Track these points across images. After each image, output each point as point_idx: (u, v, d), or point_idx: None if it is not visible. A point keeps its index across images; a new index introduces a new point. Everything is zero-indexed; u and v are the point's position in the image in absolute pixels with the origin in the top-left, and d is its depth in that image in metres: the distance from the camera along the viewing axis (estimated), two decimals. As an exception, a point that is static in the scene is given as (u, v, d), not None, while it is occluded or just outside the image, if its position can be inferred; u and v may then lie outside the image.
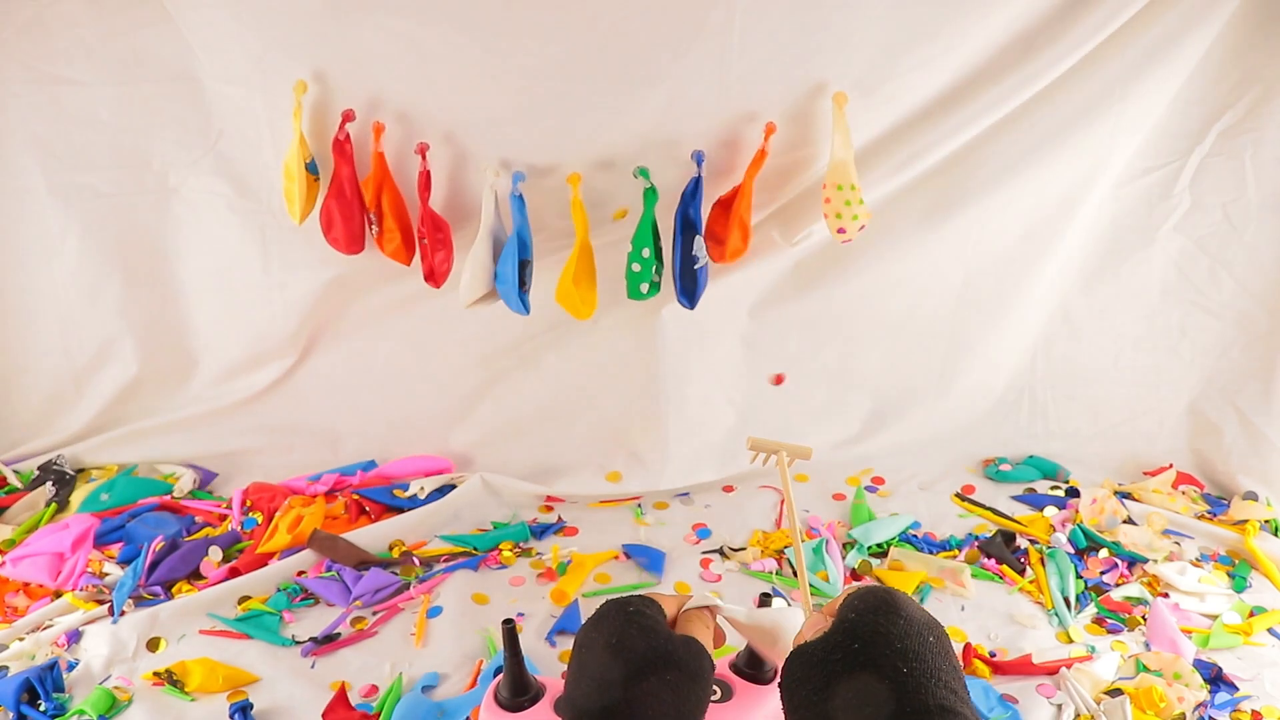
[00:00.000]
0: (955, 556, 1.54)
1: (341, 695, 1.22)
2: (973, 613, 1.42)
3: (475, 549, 1.55)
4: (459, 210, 1.55)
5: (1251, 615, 1.41)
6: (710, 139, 1.50)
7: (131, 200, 1.62)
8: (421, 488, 1.65)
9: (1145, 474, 1.76)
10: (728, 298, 1.66)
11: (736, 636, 1.37)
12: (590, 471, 1.70)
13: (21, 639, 1.31)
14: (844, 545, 1.56)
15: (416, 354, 1.72)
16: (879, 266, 1.66)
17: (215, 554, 1.50)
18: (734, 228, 1.50)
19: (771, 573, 1.50)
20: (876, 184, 1.57)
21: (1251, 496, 1.66)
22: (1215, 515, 1.65)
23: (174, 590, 1.43)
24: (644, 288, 1.52)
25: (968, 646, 1.33)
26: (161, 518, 1.60)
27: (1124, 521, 1.61)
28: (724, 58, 1.44)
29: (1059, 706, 1.24)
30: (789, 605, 1.42)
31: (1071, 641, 1.36)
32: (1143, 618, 1.40)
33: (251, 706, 1.22)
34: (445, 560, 1.53)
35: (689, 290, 1.53)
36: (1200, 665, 1.29)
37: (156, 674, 1.25)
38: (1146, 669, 1.29)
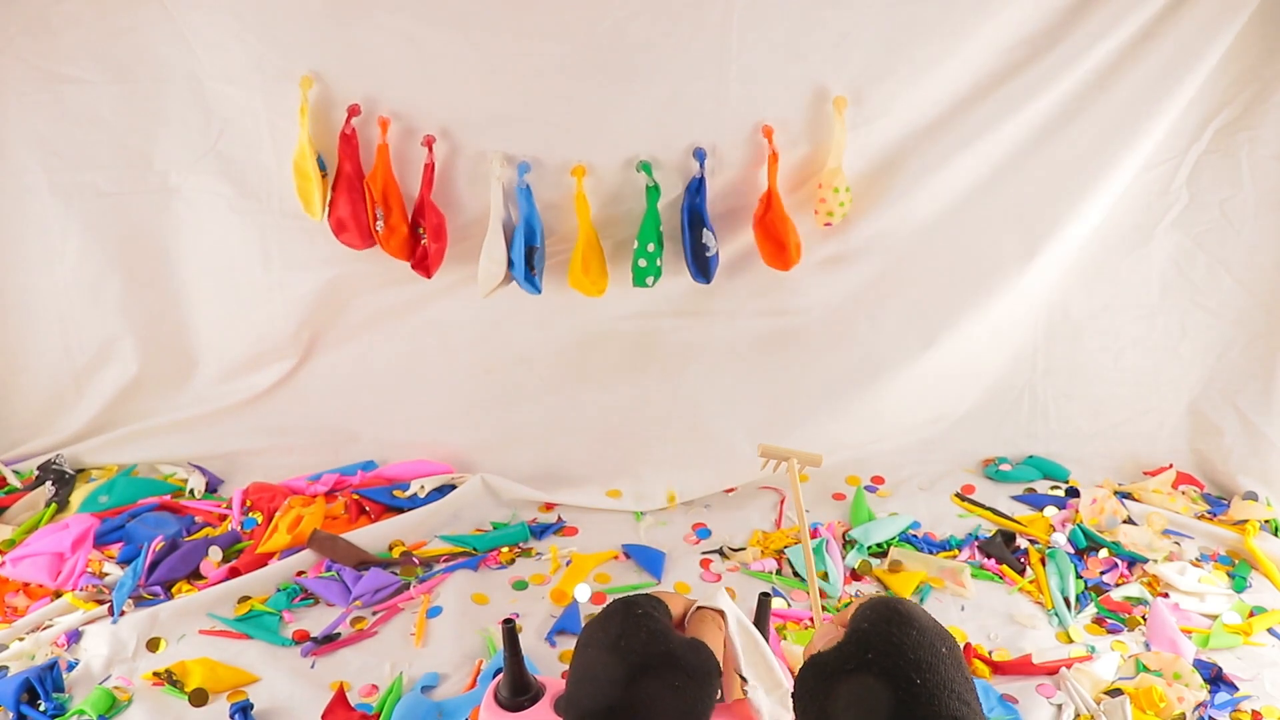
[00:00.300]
0: (955, 556, 1.54)
1: (341, 695, 1.22)
2: (973, 613, 1.42)
3: (475, 549, 1.55)
4: (454, 204, 1.56)
5: (1251, 615, 1.41)
6: (711, 137, 1.51)
7: (133, 199, 1.62)
8: (421, 487, 1.65)
9: (1145, 474, 1.76)
10: (729, 304, 1.67)
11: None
12: (592, 486, 1.70)
13: (21, 639, 1.31)
14: (844, 545, 1.56)
15: (418, 355, 1.72)
16: (879, 267, 1.66)
17: (215, 554, 1.50)
18: (787, 233, 1.54)
19: (771, 573, 1.50)
20: (878, 185, 1.58)
21: (1251, 496, 1.66)
22: (1215, 515, 1.65)
23: (174, 590, 1.43)
24: (649, 280, 1.56)
25: (968, 646, 1.33)
26: (161, 518, 1.60)
27: (1124, 521, 1.61)
28: (723, 57, 1.44)
29: (1059, 706, 1.24)
30: (789, 605, 1.43)
31: (1071, 641, 1.36)
32: (1143, 618, 1.40)
33: (252, 706, 1.21)
34: (445, 560, 1.53)
35: (704, 271, 1.56)
36: (1200, 665, 1.29)
37: (156, 674, 1.25)
38: (1146, 669, 1.29)
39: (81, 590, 1.42)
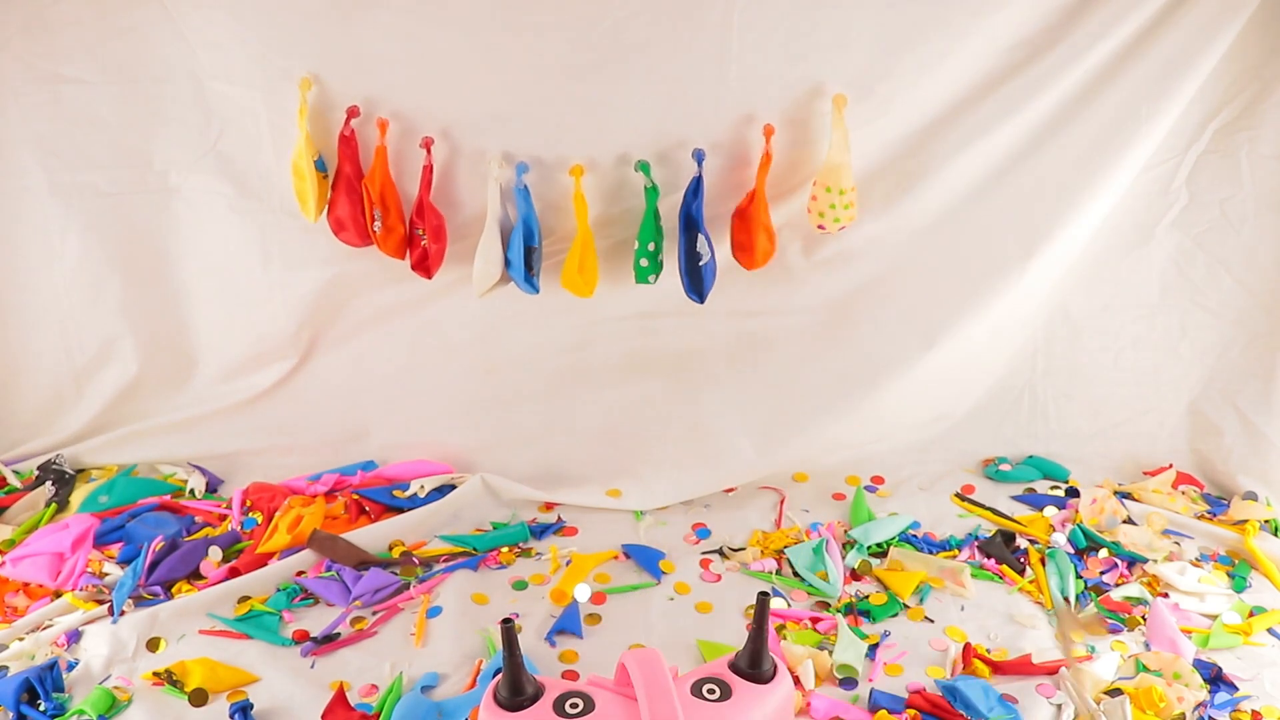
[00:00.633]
0: (955, 556, 1.54)
1: (341, 695, 1.22)
2: (973, 613, 1.42)
3: (475, 549, 1.55)
4: (454, 203, 1.56)
5: (1251, 615, 1.41)
6: (710, 137, 1.51)
7: (132, 199, 1.62)
8: (421, 486, 1.65)
9: (1145, 474, 1.76)
10: (729, 304, 1.67)
11: (729, 634, 1.37)
12: (592, 486, 1.70)
13: (21, 639, 1.31)
14: (844, 545, 1.56)
15: (418, 355, 1.72)
16: (879, 267, 1.66)
17: (215, 554, 1.50)
18: (759, 233, 1.52)
19: (771, 573, 1.50)
20: (878, 185, 1.57)
21: (1251, 496, 1.66)
22: (1215, 515, 1.65)
23: (174, 590, 1.43)
24: (651, 279, 1.55)
25: (968, 646, 1.33)
26: (161, 518, 1.60)
27: (1124, 521, 1.61)
28: (723, 57, 1.44)
29: (1059, 706, 1.24)
30: (789, 605, 1.43)
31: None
32: (1143, 618, 1.40)
33: (251, 706, 1.22)
34: (445, 560, 1.53)
35: (697, 287, 1.54)
36: (1200, 665, 1.29)
37: (156, 674, 1.25)
38: (1146, 669, 1.29)
39: (81, 590, 1.42)
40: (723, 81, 1.47)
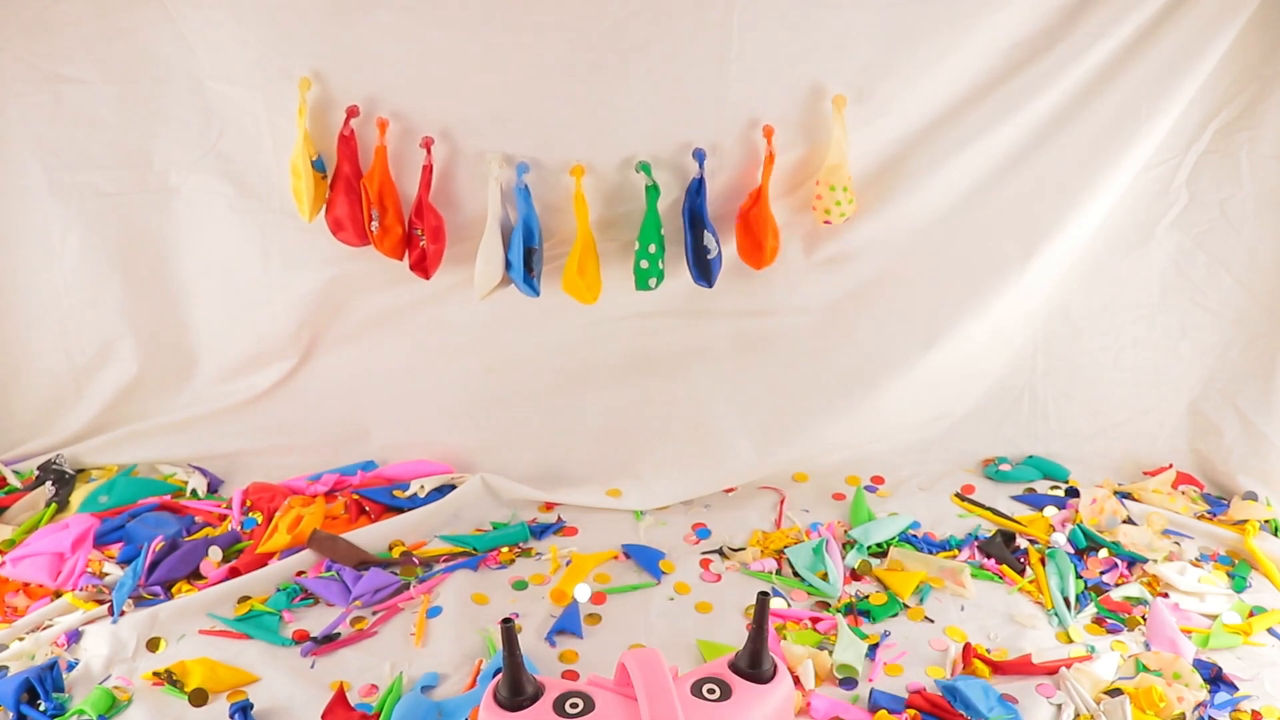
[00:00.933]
0: (955, 556, 1.54)
1: (341, 695, 1.22)
2: (973, 613, 1.42)
3: (475, 549, 1.55)
4: (454, 204, 1.56)
5: (1251, 615, 1.41)
6: (710, 138, 1.51)
7: (132, 199, 1.62)
8: (421, 486, 1.65)
9: (1145, 474, 1.76)
10: (729, 304, 1.67)
11: (729, 634, 1.37)
12: (592, 486, 1.70)
13: (21, 639, 1.31)
14: (844, 545, 1.56)
15: (418, 355, 1.72)
16: (879, 267, 1.66)
17: (215, 554, 1.50)
18: (766, 232, 1.53)
19: (771, 573, 1.50)
20: (878, 185, 1.57)
21: (1251, 496, 1.66)
22: (1215, 515, 1.65)
23: (174, 590, 1.43)
24: (652, 282, 1.55)
25: (968, 646, 1.33)
26: (161, 518, 1.60)
27: (1124, 521, 1.61)
28: (723, 57, 1.44)
29: (1059, 706, 1.24)
30: (789, 605, 1.43)
31: (1071, 641, 1.36)
32: (1142, 618, 1.40)
33: (251, 706, 1.22)
34: (445, 560, 1.53)
35: (706, 276, 1.56)
36: (1200, 665, 1.29)
37: (156, 674, 1.25)
38: (1146, 669, 1.29)
39: (81, 590, 1.42)
40: (723, 81, 1.47)
